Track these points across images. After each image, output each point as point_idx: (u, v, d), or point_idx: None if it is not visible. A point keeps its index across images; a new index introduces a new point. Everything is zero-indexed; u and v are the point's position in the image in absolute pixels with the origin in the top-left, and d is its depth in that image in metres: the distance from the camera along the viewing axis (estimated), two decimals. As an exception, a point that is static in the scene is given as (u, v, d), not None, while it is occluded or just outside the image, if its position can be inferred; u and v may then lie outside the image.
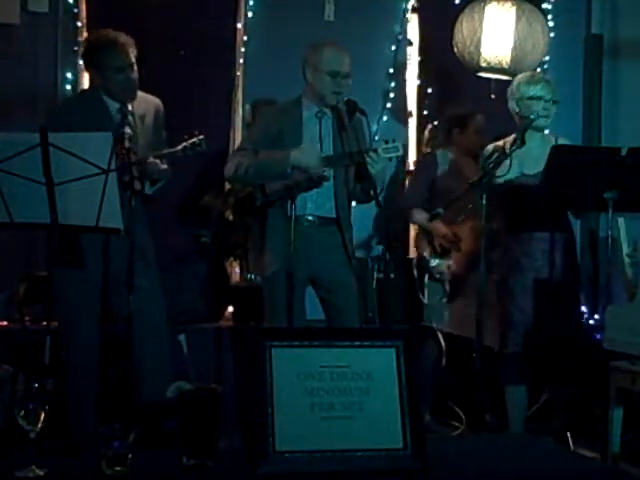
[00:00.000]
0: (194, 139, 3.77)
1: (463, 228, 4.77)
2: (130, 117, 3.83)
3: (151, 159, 3.76)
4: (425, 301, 4.79)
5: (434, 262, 4.78)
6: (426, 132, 5.46)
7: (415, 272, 4.92)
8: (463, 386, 4.79)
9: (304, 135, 4.05)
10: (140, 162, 3.71)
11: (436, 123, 5.46)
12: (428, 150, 5.32)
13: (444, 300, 4.76)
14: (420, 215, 4.84)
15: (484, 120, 4.93)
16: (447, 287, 4.77)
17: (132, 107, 3.88)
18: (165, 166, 3.88)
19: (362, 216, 5.13)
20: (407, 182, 5.53)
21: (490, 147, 4.32)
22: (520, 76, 4.41)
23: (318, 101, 4.07)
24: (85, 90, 4.61)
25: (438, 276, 4.77)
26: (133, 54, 3.83)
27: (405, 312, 5.09)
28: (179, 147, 3.77)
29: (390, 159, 4.03)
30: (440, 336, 4.80)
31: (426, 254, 4.83)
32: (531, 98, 4.27)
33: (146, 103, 3.95)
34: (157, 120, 3.99)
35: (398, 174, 5.63)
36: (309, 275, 4.05)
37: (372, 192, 3.86)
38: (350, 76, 4.04)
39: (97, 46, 3.85)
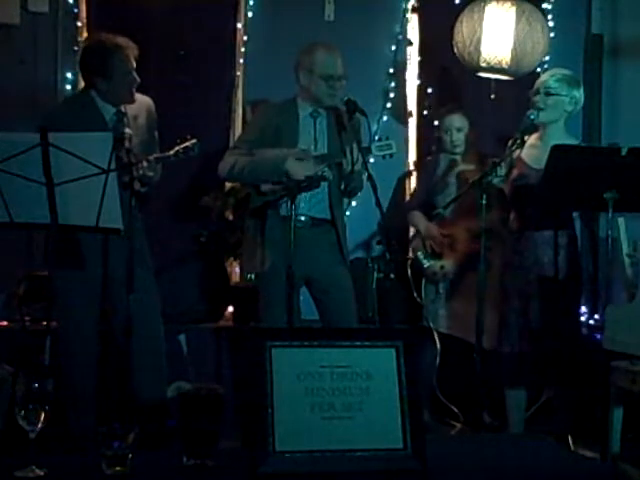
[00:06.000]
0: (187, 143, 3.78)
1: (458, 229, 4.78)
2: (125, 119, 3.84)
3: (144, 163, 3.75)
4: (421, 302, 4.83)
5: (427, 263, 4.81)
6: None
7: (410, 273, 4.93)
8: (458, 385, 4.80)
9: (300, 134, 4.08)
10: (137, 163, 3.71)
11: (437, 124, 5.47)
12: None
13: (438, 300, 4.78)
14: (417, 218, 4.90)
15: (455, 119, 4.92)
16: (440, 288, 4.80)
17: (125, 108, 3.89)
18: (157, 171, 3.88)
19: (362, 216, 5.14)
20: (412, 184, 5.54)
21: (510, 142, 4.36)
22: None
23: (314, 103, 4.10)
24: (75, 96, 4.52)
25: (432, 277, 4.80)
26: (134, 56, 3.85)
27: (405, 312, 5.09)
28: (171, 152, 3.79)
29: (384, 157, 4.05)
30: (436, 336, 4.80)
31: (419, 255, 4.85)
32: (533, 92, 4.29)
33: (138, 103, 3.95)
34: (149, 119, 4.00)
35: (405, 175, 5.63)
36: (304, 275, 4.04)
37: (373, 191, 3.86)
38: (344, 77, 4.05)
39: (104, 51, 3.81)
